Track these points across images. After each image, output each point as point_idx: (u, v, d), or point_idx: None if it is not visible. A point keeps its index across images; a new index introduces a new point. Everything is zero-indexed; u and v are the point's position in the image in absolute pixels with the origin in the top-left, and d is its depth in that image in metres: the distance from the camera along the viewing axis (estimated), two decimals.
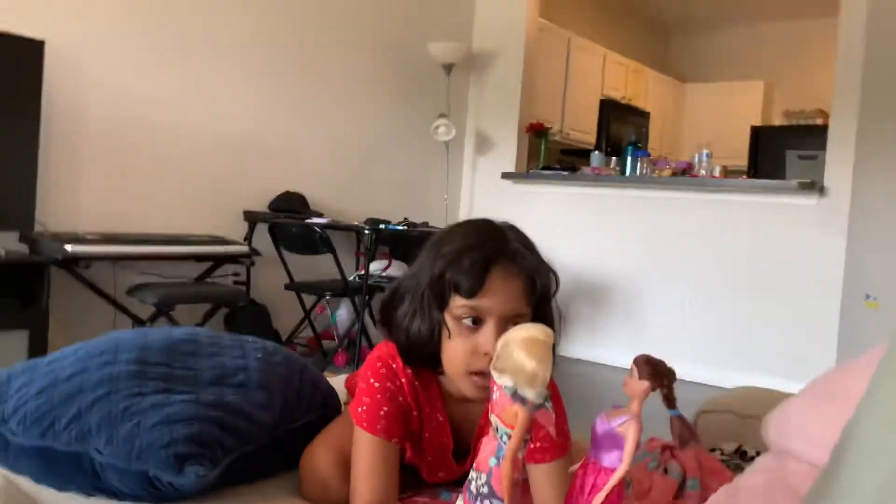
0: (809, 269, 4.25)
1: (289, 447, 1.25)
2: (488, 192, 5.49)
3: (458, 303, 1.04)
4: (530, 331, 0.81)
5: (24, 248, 3.17)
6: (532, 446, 1.15)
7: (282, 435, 1.24)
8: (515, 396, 0.79)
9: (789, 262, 4.31)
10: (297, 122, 4.45)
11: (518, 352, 0.79)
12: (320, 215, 4.22)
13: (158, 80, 3.80)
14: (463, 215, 5.54)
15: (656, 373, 0.83)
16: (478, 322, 1.04)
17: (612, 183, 4.94)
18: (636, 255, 4.85)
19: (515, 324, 1.04)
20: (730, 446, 1.55)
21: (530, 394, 0.78)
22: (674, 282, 4.70)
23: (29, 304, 3.03)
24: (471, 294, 1.02)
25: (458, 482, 1.22)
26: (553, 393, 1.17)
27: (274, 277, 4.14)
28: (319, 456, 1.22)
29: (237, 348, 1.32)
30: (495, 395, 0.82)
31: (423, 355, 1.11)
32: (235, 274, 4.04)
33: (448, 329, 1.06)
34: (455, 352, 1.06)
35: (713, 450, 1.56)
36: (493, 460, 0.81)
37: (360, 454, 1.11)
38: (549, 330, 0.81)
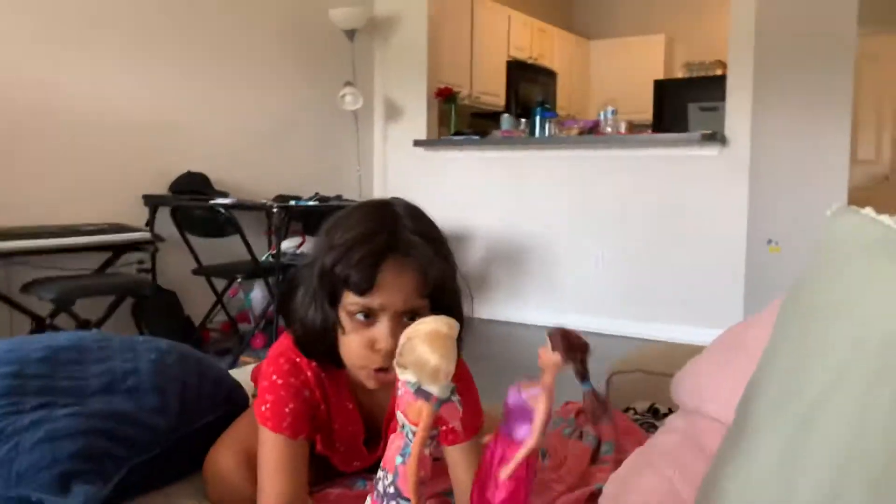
0: (715, 219, 4.38)
1: (192, 449, 1.19)
2: (401, 160, 5.42)
3: (350, 299, 1.00)
4: (433, 324, 0.77)
5: None
6: (444, 427, 1.12)
7: (183, 438, 1.17)
8: (419, 392, 0.76)
9: (696, 212, 4.43)
10: (196, 99, 4.27)
11: (421, 346, 0.75)
12: (226, 195, 4.07)
13: (43, 59, 3.56)
14: (377, 186, 5.46)
15: (569, 346, 0.80)
16: (371, 317, 1.00)
17: (523, 145, 4.96)
18: (550, 216, 4.89)
19: (411, 317, 1.01)
20: (642, 405, 1.57)
21: (434, 389, 0.75)
22: (587, 239, 4.77)
23: None
24: (362, 292, 0.98)
25: (373, 469, 1.18)
26: (462, 374, 1.15)
27: (181, 263, 3.98)
28: (223, 457, 1.16)
29: (128, 351, 1.24)
30: (400, 391, 0.78)
31: (319, 348, 1.06)
32: (140, 262, 3.87)
33: (341, 324, 1.02)
34: (350, 347, 1.02)
35: (627, 409, 1.57)
36: (398, 458, 0.78)
37: (267, 454, 1.06)
38: (452, 322, 0.78)
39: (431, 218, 1.08)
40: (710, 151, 4.37)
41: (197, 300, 4.10)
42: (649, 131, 5.18)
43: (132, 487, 1.09)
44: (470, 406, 1.11)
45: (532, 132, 4.96)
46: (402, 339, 0.78)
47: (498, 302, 5.06)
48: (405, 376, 0.76)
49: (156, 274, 3.89)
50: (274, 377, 1.09)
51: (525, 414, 0.80)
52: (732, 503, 0.89)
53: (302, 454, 1.08)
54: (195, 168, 4.18)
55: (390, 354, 0.99)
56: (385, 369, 1.01)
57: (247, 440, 1.14)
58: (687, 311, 4.39)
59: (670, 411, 1.42)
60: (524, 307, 4.97)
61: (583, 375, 0.82)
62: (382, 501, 0.78)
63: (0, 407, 1.03)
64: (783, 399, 0.86)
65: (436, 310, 1.03)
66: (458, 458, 1.10)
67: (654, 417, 1.53)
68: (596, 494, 1.20)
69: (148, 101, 4.02)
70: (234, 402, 1.32)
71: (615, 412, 1.53)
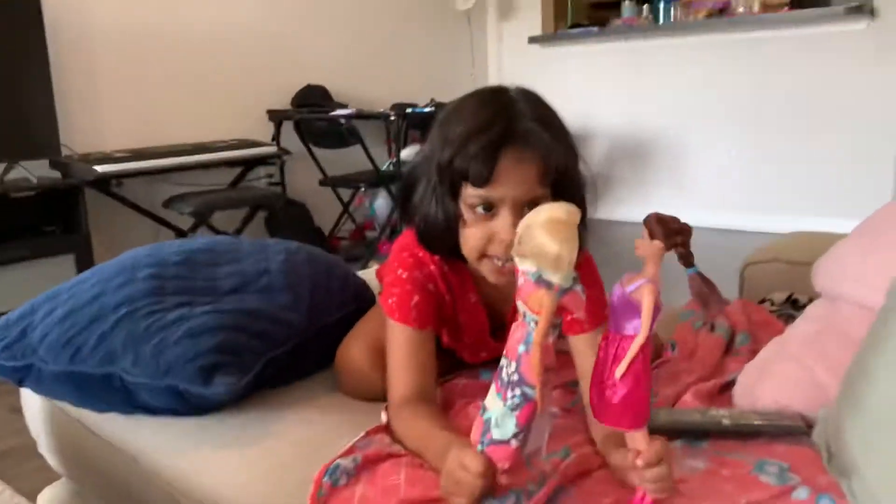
0: (863, 103, 4.00)
1: (324, 345, 1.23)
2: (516, 60, 5.27)
3: (469, 191, 0.97)
4: (553, 211, 0.74)
5: (56, 175, 3.17)
6: (569, 317, 1.10)
7: (314, 334, 1.22)
8: (540, 281, 0.73)
9: (841, 97, 4.07)
10: (310, 12, 4.28)
11: (540, 234, 0.73)
12: (345, 106, 4.11)
13: None
14: (493, 81, 5.35)
15: (668, 231, 0.76)
16: (492, 208, 0.97)
17: (646, 34, 4.68)
18: (677, 108, 4.65)
19: (532, 208, 0.98)
20: (780, 296, 1.48)
21: (556, 277, 0.73)
22: (719, 131, 4.51)
23: (70, 230, 3.07)
24: (481, 183, 0.95)
25: (500, 360, 1.19)
26: (587, 266, 1.12)
27: (308, 175, 4.10)
28: (353, 350, 1.20)
29: (259, 252, 1.29)
30: (520, 281, 0.76)
31: (442, 243, 1.05)
32: (269, 175, 4.01)
33: (463, 217, 1.00)
34: (472, 239, 1.00)
35: (763, 301, 1.50)
36: (521, 347, 0.77)
37: (395, 346, 1.08)
38: (572, 208, 0.75)
39: (550, 104, 1.03)
40: (857, 25, 3.97)
41: (325, 210, 4.23)
42: (786, 9, 4.74)
43: (269, 380, 1.15)
44: (594, 295, 1.09)
45: (655, 18, 4.66)
46: (521, 226, 0.75)
47: (624, 201, 4.91)
48: (525, 265, 0.74)
49: (285, 186, 4.02)
50: (399, 271, 1.10)
51: (632, 308, 0.76)
52: (883, 391, 0.84)
53: (429, 345, 1.09)
54: (314, 81, 4.23)
55: (511, 246, 0.97)
56: (507, 261, 0.99)
57: (375, 334, 1.17)
58: (831, 205, 4.10)
59: (811, 301, 1.34)
60: (652, 206, 4.79)
61: (686, 260, 0.77)
62: (507, 389, 0.78)
63: (145, 305, 1.10)
64: None
65: (558, 199, 0.99)
66: (583, 349, 1.08)
67: (792, 308, 1.44)
68: (730, 385, 1.16)
69: (263, 17, 4.06)
70: (363, 300, 1.35)
71: (748, 303, 1.46)
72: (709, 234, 4.36)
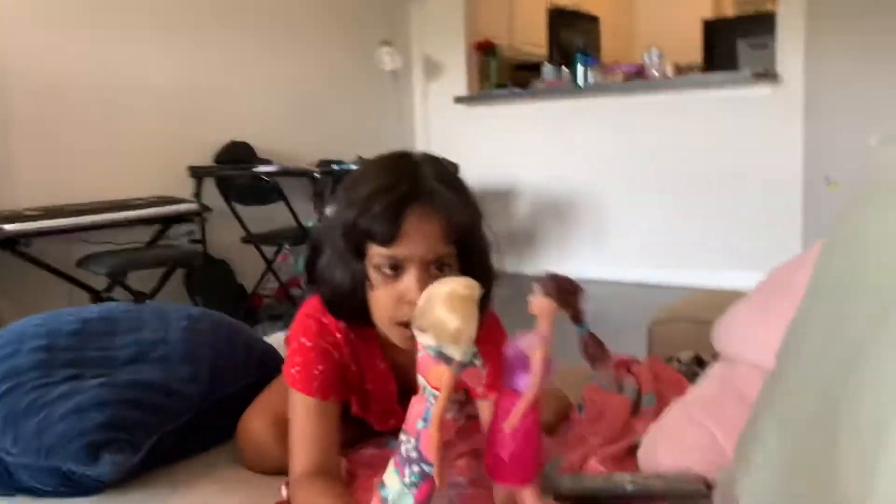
0: (770, 160, 4.21)
1: (225, 415, 1.19)
2: (442, 118, 5.35)
3: (375, 251, 0.97)
4: (452, 286, 0.75)
5: None
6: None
7: (215, 404, 1.18)
8: (440, 356, 0.73)
9: (750, 154, 4.26)
10: (234, 69, 4.26)
11: (440, 309, 0.73)
12: (269, 163, 4.08)
13: (80, 41, 3.59)
14: (420, 146, 5.41)
15: (560, 290, 0.77)
16: (398, 269, 0.97)
17: (566, 95, 4.84)
18: (597, 167, 4.78)
19: (439, 267, 0.98)
20: (686, 355, 1.51)
21: (456, 353, 0.73)
22: (637, 189, 4.65)
23: None
24: (386, 242, 0.95)
25: None
26: (494, 329, 1.12)
27: (230, 232, 4.03)
28: (255, 422, 1.16)
29: (158, 320, 1.25)
30: (420, 354, 0.76)
31: (349, 308, 1.04)
32: (190, 233, 3.93)
33: (370, 279, 0.99)
34: (379, 302, 1.00)
35: (670, 360, 1.52)
36: (420, 423, 0.76)
37: (296, 417, 1.05)
38: (472, 283, 0.75)
39: (453, 167, 1.05)
40: (763, 90, 4.19)
41: (248, 268, 4.16)
42: (698, 73, 4.98)
43: (166, 455, 1.10)
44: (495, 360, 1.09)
45: (575, 80, 4.82)
46: (421, 300, 0.75)
47: (547, 257, 5.00)
48: (424, 340, 0.74)
49: (206, 244, 3.94)
50: (302, 339, 1.07)
51: (524, 364, 0.77)
52: (772, 453, 0.85)
53: (333, 416, 1.06)
54: (238, 137, 4.20)
55: None
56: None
57: (279, 405, 1.13)
58: (743, 257, 4.25)
59: (715, 359, 1.37)
60: (574, 261, 4.90)
61: (577, 318, 0.80)
62: (405, 466, 0.77)
63: (30, 381, 1.05)
64: (826, 342, 0.80)
65: (463, 257, 1.00)
66: (490, 413, 1.07)
67: (698, 367, 1.47)
68: (635, 448, 1.16)
69: (186, 73, 4.03)
70: (268, 367, 1.31)
71: (656, 362, 1.48)
72: (629, 288, 4.49)
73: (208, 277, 3.84)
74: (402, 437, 0.78)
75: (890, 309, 0.72)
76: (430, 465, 0.75)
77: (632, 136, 4.62)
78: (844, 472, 0.69)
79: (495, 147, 5.09)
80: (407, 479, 0.76)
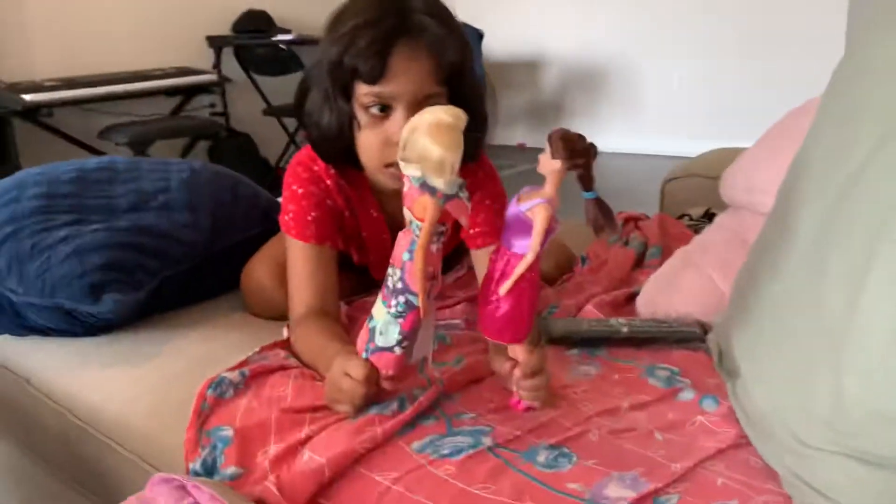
0: (814, 19, 3.97)
1: (230, 265, 1.21)
2: None
3: (362, 90, 0.94)
4: (437, 114, 0.71)
5: None
6: (472, 231, 1.09)
7: (217, 253, 1.19)
8: (424, 187, 0.71)
9: (795, 13, 4.02)
10: None
11: (424, 138, 0.70)
12: (287, 32, 3.98)
13: None
14: None
15: (571, 150, 0.73)
16: (387, 109, 0.94)
17: None
18: (627, 34, 4.59)
19: (431, 105, 0.94)
20: (698, 210, 1.49)
21: (439, 183, 0.71)
22: (669, 56, 4.47)
23: (0, 161, 2.97)
24: (373, 80, 0.92)
25: None
26: (489, 179, 1.10)
27: (252, 104, 3.99)
28: (257, 269, 1.17)
29: (159, 171, 1.24)
30: (406, 187, 0.74)
31: (338, 151, 1.02)
32: (211, 105, 3.90)
33: (357, 120, 0.97)
34: (367, 144, 0.97)
35: (681, 216, 1.50)
36: (406, 255, 0.75)
37: (294, 263, 1.06)
38: (459, 112, 0.72)
39: (444, 2, 0.99)
40: None
41: (271, 141, 4.14)
42: None
43: (169, 299, 1.13)
44: (497, 208, 1.07)
45: None
46: (405, 131, 0.72)
47: (576, 130, 4.88)
48: (409, 171, 0.72)
49: (228, 117, 3.92)
50: (294, 187, 1.06)
51: (524, 226, 0.75)
52: (764, 292, 0.84)
53: (329, 261, 1.07)
54: (255, 5, 4.08)
55: None
56: None
57: (281, 253, 1.14)
58: None
59: None
60: (604, 134, 4.78)
61: (585, 183, 0.75)
62: (392, 297, 0.77)
63: (30, 225, 1.06)
64: (825, 171, 0.77)
65: (455, 100, 0.96)
66: (484, 262, 1.07)
67: (709, 222, 1.45)
68: (635, 296, 1.16)
69: None
70: (273, 220, 1.31)
71: (665, 217, 1.46)
72: (662, 161, 4.38)
73: (231, 150, 3.84)
74: (389, 269, 0.78)
75: (890, 134, 0.68)
76: (414, 295, 0.75)
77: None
78: (833, 297, 0.68)
79: (523, 15, 4.90)
80: (393, 310, 0.76)
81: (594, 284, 1.19)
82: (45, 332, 1.06)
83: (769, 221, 0.90)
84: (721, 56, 4.29)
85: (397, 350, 0.78)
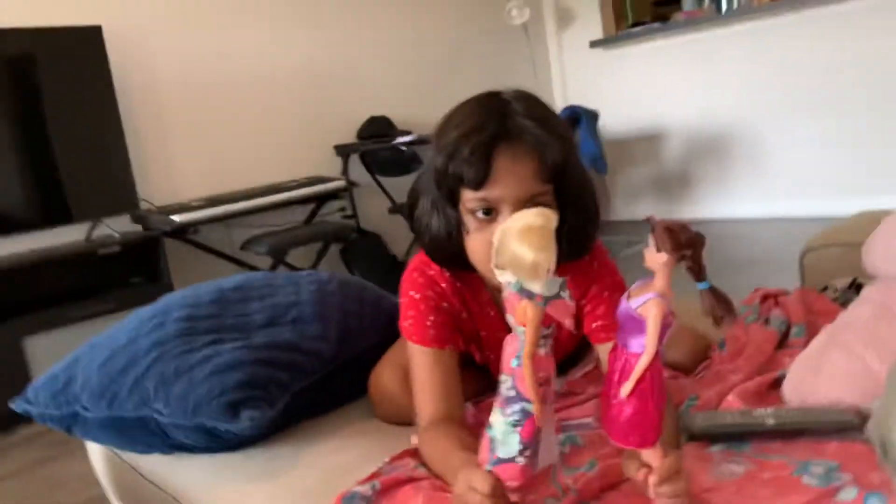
0: None
1: (358, 372, 1.23)
2: (579, 66, 5.19)
3: (468, 196, 0.95)
4: (526, 218, 0.72)
5: (137, 228, 3.33)
6: (594, 325, 1.06)
7: (346, 362, 1.22)
8: (522, 292, 0.71)
9: None
10: (365, 44, 4.36)
11: (515, 243, 0.70)
12: (408, 133, 4.15)
13: (220, 36, 3.81)
14: (557, 96, 5.30)
15: (676, 242, 0.70)
16: (492, 212, 0.95)
17: (710, 24, 4.52)
18: (750, 98, 4.45)
19: (537, 205, 0.95)
20: (843, 282, 1.38)
21: (536, 287, 0.70)
22: (797, 116, 4.29)
23: (153, 279, 3.21)
24: (477, 186, 0.93)
25: None
26: (604, 268, 1.07)
27: (378, 204, 4.16)
28: (384, 375, 1.19)
29: (290, 285, 1.30)
30: (504, 293, 0.74)
31: (449, 255, 1.03)
32: (342, 209, 4.09)
33: (465, 224, 0.98)
34: (475, 247, 0.98)
35: (825, 289, 1.40)
36: (514, 361, 0.74)
37: (417, 368, 1.07)
38: (547, 212, 0.72)
39: (546, 102, 1.00)
40: None
41: (398, 237, 4.27)
42: None
43: (303, 410, 1.16)
44: (616, 297, 1.04)
45: (718, 7, 4.50)
46: (496, 237, 0.73)
47: (703, 199, 4.75)
48: (505, 277, 0.72)
49: (357, 218, 4.09)
50: (411, 293, 1.08)
51: (638, 324, 0.72)
52: None
53: (451, 364, 1.07)
54: (377, 112, 4.30)
55: None
56: None
57: (406, 358, 1.15)
58: None
59: None
60: (732, 201, 4.62)
61: (696, 274, 0.72)
62: (507, 405, 0.76)
63: (175, 347, 1.13)
64: None
65: (561, 196, 0.96)
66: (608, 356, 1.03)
67: (857, 294, 1.34)
68: (780, 381, 1.08)
69: (323, 56, 4.16)
70: (397, 324, 1.34)
71: (808, 293, 1.37)
72: (792, 224, 4.17)
73: (362, 249, 3.98)
74: (501, 377, 0.77)
75: None
76: (529, 402, 0.73)
77: (785, 60, 4.25)
78: None
79: (638, 89, 4.88)
80: (510, 419, 0.75)
81: (735, 372, 1.12)
82: (189, 449, 1.11)
83: None
84: (844, 112, 4.08)
85: (520, 460, 0.76)
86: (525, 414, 0.74)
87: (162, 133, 3.62)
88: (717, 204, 4.68)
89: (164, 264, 3.21)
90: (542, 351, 0.74)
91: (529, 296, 0.70)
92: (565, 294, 0.72)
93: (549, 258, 0.69)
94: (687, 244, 0.71)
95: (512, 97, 0.98)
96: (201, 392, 1.05)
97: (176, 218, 3.23)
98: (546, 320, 0.72)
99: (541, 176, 0.93)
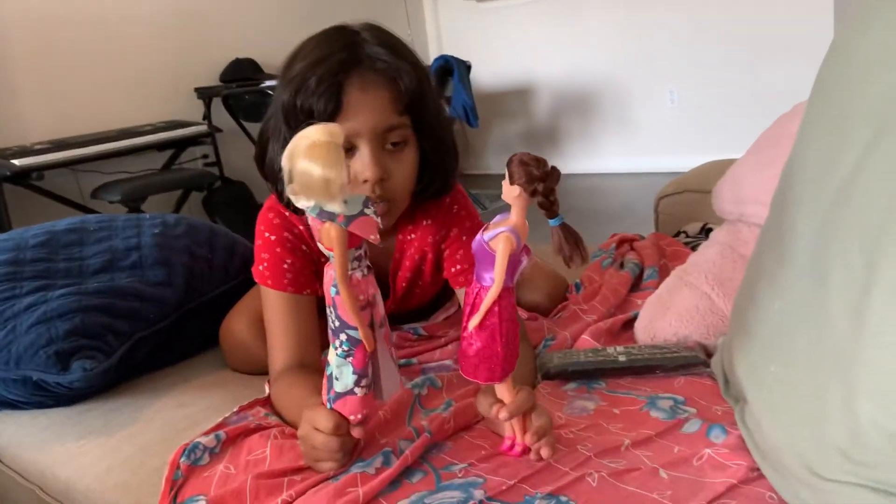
0: (805, 32, 3.95)
1: (210, 319, 1.16)
2: (453, 19, 5.15)
3: None
4: (310, 134, 0.65)
5: None
6: (453, 269, 1.04)
7: (193, 310, 1.14)
8: (322, 214, 0.66)
9: (783, 21, 3.99)
10: None
11: (302, 163, 0.64)
12: (275, 77, 3.98)
13: None
14: (432, 50, 5.24)
15: (529, 175, 0.68)
16: (350, 149, 0.89)
17: None
18: (616, 55, 4.57)
19: (395, 144, 0.90)
20: (694, 227, 1.44)
21: (335, 206, 0.65)
22: (658, 74, 4.45)
23: None
24: (328, 119, 0.87)
25: (392, 320, 1.12)
26: (464, 209, 1.05)
27: (243, 152, 3.98)
28: (236, 323, 1.13)
29: (132, 228, 1.20)
30: (308, 220, 0.69)
31: None
32: (204, 156, 3.89)
33: None
34: None
35: (677, 234, 1.45)
36: (332, 290, 0.70)
37: (272, 314, 1.01)
38: (332, 127, 0.65)
39: (396, 34, 0.95)
40: None
41: (265, 187, 4.11)
42: None
43: (145, 361, 1.08)
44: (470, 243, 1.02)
45: None
46: (284, 161, 0.66)
47: (572, 154, 4.86)
48: (300, 203, 0.66)
49: (221, 166, 3.90)
50: (266, 234, 1.02)
51: (489, 258, 0.70)
52: (764, 312, 0.78)
53: (308, 310, 1.02)
54: (242, 54, 4.09)
55: (378, 184, 0.90)
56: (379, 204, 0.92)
57: (260, 305, 1.09)
58: None
59: None
60: (599, 156, 4.76)
61: (549, 209, 0.70)
62: (336, 336, 0.72)
63: None
64: (818, 176, 0.72)
65: (419, 130, 0.92)
66: None
67: (707, 238, 1.39)
68: (633, 322, 1.10)
69: None
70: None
71: (661, 237, 1.41)
72: (659, 178, 4.34)
73: (226, 198, 3.81)
74: (327, 309, 0.72)
75: (884, 129, 0.63)
76: (353, 329, 0.70)
77: (649, 18, 4.38)
78: (837, 311, 0.62)
79: (510, 43, 4.90)
80: (339, 350, 0.71)
81: (589, 312, 1.13)
82: (15, 405, 1.00)
83: (764, 234, 0.85)
84: (710, 70, 4.26)
85: (358, 391, 0.73)
86: (353, 342, 0.71)
87: (3, 68, 3.28)
88: (583, 159, 4.80)
89: (3, 213, 2.94)
90: (357, 274, 0.70)
91: (331, 217, 0.66)
92: (370, 210, 0.67)
93: (339, 174, 0.64)
94: (540, 178, 0.68)
95: (360, 28, 0.93)
96: (26, 342, 0.95)
97: (17, 162, 2.96)
98: (353, 240, 0.68)
99: (396, 106, 0.89)
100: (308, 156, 0.63)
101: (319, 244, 0.69)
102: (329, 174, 0.62)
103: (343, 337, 0.70)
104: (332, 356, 0.72)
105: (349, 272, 0.69)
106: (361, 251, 0.70)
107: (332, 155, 0.63)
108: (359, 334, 0.69)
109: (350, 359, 0.71)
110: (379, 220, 0.67)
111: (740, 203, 1.07)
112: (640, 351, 0.98)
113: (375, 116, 0.87)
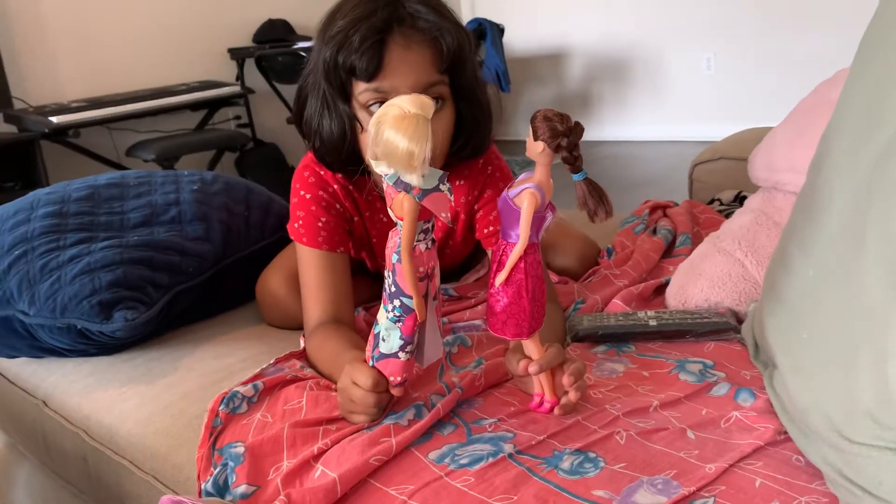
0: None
1: (246, 274, 1.18)
2: None
3: (360, 88, 0.90)
4: (401, 104, 0.67)
5: (10, 129, 3.09)
6: (486, 231, 1.05)
7: (231, 265, 1.17)
8: (399, 184, 0.67)
9: None
10: None
11: (389, 132, 0.65)
12: (308, 39, 3.98)
13: None
14: (465, 10, 5.18)
15: (553, 131, 0.68)
16: None
17: None
18: (651, 21, 4.49)
19: (435, 100, 0.90)
20: (729, 194, 1.43)
21: (413, 178, 0.66)
22: (695, 41, 4.36)
23: (29, 184, 3.00)
24: (370, 76, 0.88)
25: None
26: (499, 171, 1.05)
27: (277, 113, 4.00)
28: (272, 279, 1.15)
29: (170, 184, 1.23)
30: (384, 186, 0.70)
31: (342, 158, 0.97)
32: (237, 117, 3.92)
33: (359, 121, 0.93)
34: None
35: (712, 202, 1.44)
36: (394, 257, 0.72)
37: (306, 270, 1.03)
38: (424, 99, 0.67)
39: None
40: None
41: (298, 148, 4.14)
42: None
43: (184, 314, 1.11)
44: None
45: None
46: (371, 126, 0.68)
47: (604, 121, 4.81)
48: (381, 168, 0.67)
49: (254, 127, 3.93)
50: (302, 192, 1.04)
51: (514, 214, 0.71)
52: (796, 277, 0.79)
53: (342, 267, 1.04)
54: (275, 15, 4.09)
55: None
56: None
57: (295, 262, 1.11)
58: None
59: None
60: (632, 123, 4.71)
61: (572, 165, 0.70)
62: (388, 301, 0.74)
63: (41, 245, 1.05)
64: (858, 141, 0.72)
65: (456, 90, 0.93)
66: None
67: (741, 206, 1.38)
68: (664, 287, 1.11)
69: None
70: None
71: (695, 204, 1.40)
72: (692, 147, 4.29)
73: (258, 160, 3.85)
74: (385, 273, 0.74)
75: None
76: (408, 297, 0.71)
77: None
78: (872, 275, 0.62)
79: (544, 7, 4.84)
80: (391, 314, 0.73)
81: (621, 277, 1.14)
82: (60, 353, 1.04)
83: (800, 201, 0.84)
84: (749, 37, 4.17)
85: (402, 356, 0.75)
86: (406, 309, 0.72)
87: (40, 28, 3.32)
88: (616, 125, 4.75)
89: (41, 169, 3.00)
90: (421, 246, 0.71)
91: (406, 188, 0.67)
92: (444, 187, 0.69)
93: (424, 148, 0.65)
94: (564, 133, 0.69)
95: None
96: (70, 291, 0.98)
97: (54, 119, 3.01)
98: (424, 214, 0.69)
99: (436, 64, 0.89)
100: (396, 126, 0.64)
101: (390, 210, 0.70)
102: (414, 148, 0.64)
103: (397, 303, 0.72)
104: (383, 317, 0.74)
105: (414, 244, 0.70)
106: (429, 224, 0.72)
107: (420, 129, 0.64)
108: (412, 303, 0.71)
109: (399, 324, 0.73)
110: (452, 197, 0.69)
111: (776, 171, 1.06)
112: (671, 316, 0.99)
113: (416, 74, 0.88)
